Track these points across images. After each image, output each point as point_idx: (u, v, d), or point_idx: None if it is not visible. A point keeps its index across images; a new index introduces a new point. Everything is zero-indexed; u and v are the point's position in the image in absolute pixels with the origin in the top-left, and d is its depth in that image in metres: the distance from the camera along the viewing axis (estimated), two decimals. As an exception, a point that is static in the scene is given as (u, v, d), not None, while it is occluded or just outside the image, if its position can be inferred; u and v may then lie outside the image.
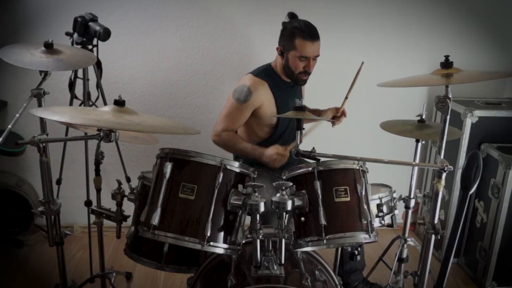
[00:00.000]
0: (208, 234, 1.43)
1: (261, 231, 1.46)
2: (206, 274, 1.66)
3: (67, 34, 2.23)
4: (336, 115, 2.30)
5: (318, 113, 2.41)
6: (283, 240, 1.50)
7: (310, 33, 2.10)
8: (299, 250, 1.53)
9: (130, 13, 2.70)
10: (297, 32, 2.10)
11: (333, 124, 2.34)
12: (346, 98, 2.26)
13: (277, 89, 2.20)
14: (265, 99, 2.17)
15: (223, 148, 2.22)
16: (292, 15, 2.22)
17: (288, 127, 2.28)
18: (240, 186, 1.51)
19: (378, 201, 1.83)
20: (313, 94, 2.50)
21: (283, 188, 1.45)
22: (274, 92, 2.19)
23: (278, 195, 1.44)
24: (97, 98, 2.40)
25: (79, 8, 2.35)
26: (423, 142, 2.04)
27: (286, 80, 2.25)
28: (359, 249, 2.20)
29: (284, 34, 2.17)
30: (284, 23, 2.21)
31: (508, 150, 2.45)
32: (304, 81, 2.22)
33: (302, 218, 1.51)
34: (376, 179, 1.88)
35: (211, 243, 1.45)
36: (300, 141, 1.59)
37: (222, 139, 2.19)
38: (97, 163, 1.84)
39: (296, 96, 2.29)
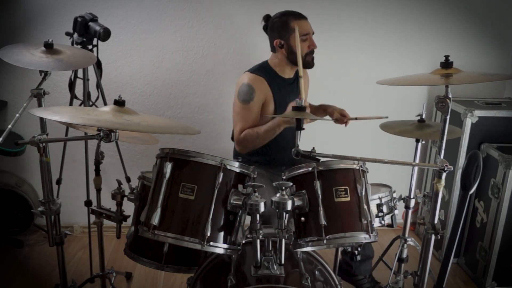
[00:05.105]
0: (208, 234, 1.43)
1: (261, 231, 1.46)
2: (206, 274, 1.66)
3: (67, 34, 2.23)
4: (341, 119, 2.25)
5: (323, 108, 2.37)
6: (283, 240, 1.50)
7: (298, 13, 2.16)
8: (299, 250, 1.53)
9: (130, 13, 2.70)
10: (289, 17, 2.15)
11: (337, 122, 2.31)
12: (356, 119, 2.22)
13: (274, 85, 2.19)
14: (266, 95, 2.16)
15: (252, 146, 2.14)
16: (267, 17, 2.24)
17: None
18: (240, 186, 1.51)
19: (378, 201, 1.82)
20: (313, 93, 2.49)
21: (283, 188, 1.45)
22: (272, 88, 2.18)
23: (278, 195, 1.44)
24: (97, 98, 2.40)
25: (79, 8, 2.35)
26: (423, 142, 2.04)
27: (283, 77, 2.24)
28: (359, 249, 2.20)
29: (276, 27, 2.17)
30: (268, 21, 2.23)
31: (508, 150, 2.45)
32: (313, 62, 2.21)
33: (302, 218, 1.51)
34: (376, 179, 1.88)
35: (211, 243, 1.45)
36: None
37: (245, 139, 2.12)
38: (97, 163, 1.84)
39: (295, 93, 2.27)
